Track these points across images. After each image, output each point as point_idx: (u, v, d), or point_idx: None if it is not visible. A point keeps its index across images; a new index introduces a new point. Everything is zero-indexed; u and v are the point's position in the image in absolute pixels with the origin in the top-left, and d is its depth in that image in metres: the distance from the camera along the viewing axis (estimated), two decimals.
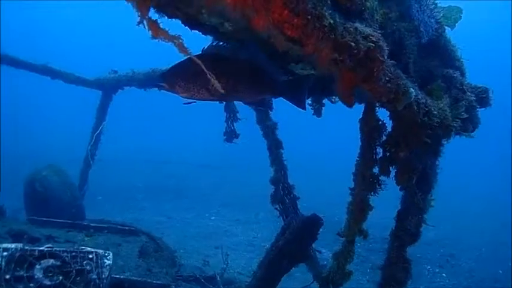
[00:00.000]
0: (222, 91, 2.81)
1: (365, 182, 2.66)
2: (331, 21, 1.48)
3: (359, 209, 2.76)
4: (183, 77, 2.77)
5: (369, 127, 2.54)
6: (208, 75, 2.19)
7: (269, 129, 4.45)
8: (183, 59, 2.93)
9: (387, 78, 1.83)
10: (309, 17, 1.41)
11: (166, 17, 3.22)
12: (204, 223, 9.96)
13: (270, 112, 4.51)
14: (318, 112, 4.61)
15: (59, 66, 7.00)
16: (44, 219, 5.01)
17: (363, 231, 2.86)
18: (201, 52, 3.03)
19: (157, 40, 1.41)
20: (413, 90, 1.99)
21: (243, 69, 2.94)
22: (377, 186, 2.68)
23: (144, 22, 1.34)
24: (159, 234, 6.21)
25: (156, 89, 6.43)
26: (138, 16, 1.28)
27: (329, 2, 1.54)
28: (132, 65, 6.81)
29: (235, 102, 5.37)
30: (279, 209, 4.26)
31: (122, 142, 19.42)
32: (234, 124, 5.42)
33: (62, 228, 5.00)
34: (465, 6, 3.34)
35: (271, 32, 1.43)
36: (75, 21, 48.30)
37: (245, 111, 5.41)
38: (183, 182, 14.09)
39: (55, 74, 6.93)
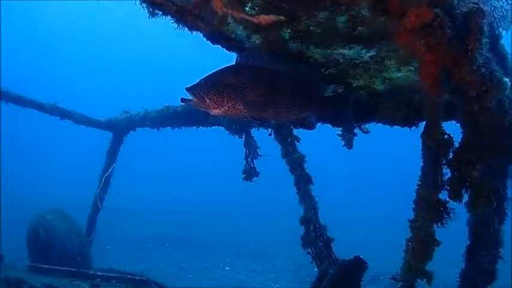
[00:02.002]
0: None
1: (430, 211, 2.19)
2: None
3: (422, 244, 2.26)
4: (215, 90, 2.41)
5: (434, 141, 2.10)
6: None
7: (296, 163, 4.01)
8: (212, 71, 2.59)
9: (481, 61, 1.41)
10: None
11: (187, 29, 2.90)
12: (219, 274, 9.33)
13: (297, 143, 4.10)
14: (349, 143, 4.19)
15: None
16: (45, 266, 4.52)
17: (426, 273, 2.34)
18: (235, 62, 2.68)
19: None
20: (508, 80, 1.56)
21: (284, 81, 2.60)
22: (445, 215, 2.21)
23: None
24: (171, 286, 5.67)
25: (168, 129, 6.17)
26: None
27: None
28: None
29: (254, 136, 5.02)
30: (311, 253, 3.74)
31: (129, 191, 19.17)
32: (254, 161, 5.03)
33: (65, 277, 4.49)
34: None
35: None
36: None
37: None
38: (194, 232, 13.67)
39: (64, 115, 6.63)
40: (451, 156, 2.18)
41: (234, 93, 2.42)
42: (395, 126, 3.43)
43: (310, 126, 2.82)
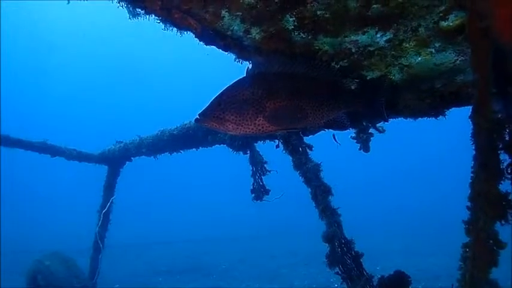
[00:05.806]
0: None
1: (491, 207, 1.81)
2: None
3: (485, 249, 1.87)
4: (232, 109, 2.11)
5: (489, 121, 1.74)
6: None
7: (311, 174, 3.62)
8: (222, 90, 2.26)
9: None
10: None
11: (175, 29, 2.55)
12: None
13: (309, 152, 3.72)
14: (365, 145, 3.79)
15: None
16: None
17: (491, 283, 1.94)
18: (245, 73, 2.36)
19: None
20: None
21: (304, 83, 2.28)
22: (508, 210, 1.83)
23: None
24: None
25: (168, 153, 5.79)
26: None
27: None
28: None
29: (259, 151, 4.65)
30: (340, 272, 3.31)
31: (131, 223, 18.82)
32: (263, 178, 4.63)
33: None
34: None
35: None
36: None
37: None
38: (204, 259, 13.24)
39: (55, 151, 6.24)
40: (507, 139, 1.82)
41: (253, 108, 2.12)
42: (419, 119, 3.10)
43: (342, 126, 2.50)
